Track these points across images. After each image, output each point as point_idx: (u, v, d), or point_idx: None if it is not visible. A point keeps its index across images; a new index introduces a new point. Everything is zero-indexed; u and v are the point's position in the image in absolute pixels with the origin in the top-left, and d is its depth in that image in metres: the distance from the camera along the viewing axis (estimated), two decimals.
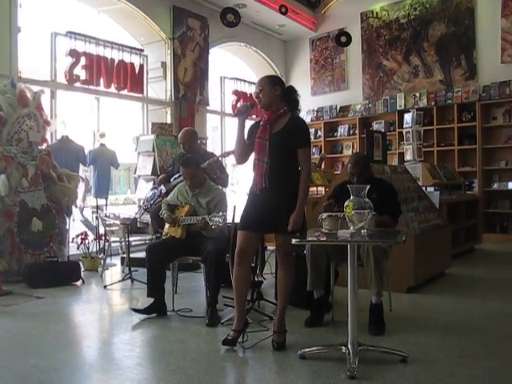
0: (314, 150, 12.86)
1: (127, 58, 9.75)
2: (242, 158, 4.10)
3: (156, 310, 4.86)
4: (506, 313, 4.96)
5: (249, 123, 4.16)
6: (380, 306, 4.41)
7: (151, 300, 4.89)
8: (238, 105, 11.52)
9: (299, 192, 3.85)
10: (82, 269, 7.09)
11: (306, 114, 13.00)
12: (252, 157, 4.06)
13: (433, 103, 11.14)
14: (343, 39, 11.78)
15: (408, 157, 8.77)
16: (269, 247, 5.87)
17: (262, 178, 3.88)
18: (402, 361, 3.58)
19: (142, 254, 5.53)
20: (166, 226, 5.28)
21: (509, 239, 9.91)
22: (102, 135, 8.88)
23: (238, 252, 3.95)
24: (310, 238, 3.69)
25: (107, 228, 7.47)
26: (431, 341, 4.09)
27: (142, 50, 10.23)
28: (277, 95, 3.94)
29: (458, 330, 4.39)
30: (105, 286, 6.41)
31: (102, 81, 9.22)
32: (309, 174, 4.00)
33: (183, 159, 5.44)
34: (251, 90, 11.95)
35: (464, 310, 5.06)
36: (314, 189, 9.24)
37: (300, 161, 3.90)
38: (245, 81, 12.55)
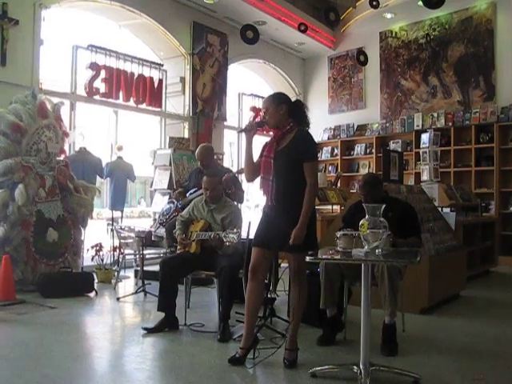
0: (330, 168, 12.88)
1: (147, 72, 9.85)
2: (250, 176, 4.08)
3: (167, 324, 4.86)
4: None
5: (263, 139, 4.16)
6: (393, 326, 4.37)
7: (163, 314, 4.89)
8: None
9: (303, 205, 3.78)
10: (96, 280, 7.12)
11: (322, 132, 13.05)
12: None
13: (450, 124, 11.10)
14: (362, 58, 11.81)
15: (424, 177, 8.73)
16: (283, 264, 5.85)
17: (269, 197, 3.87)
18: (414, 382, 3.54)
19: (156, 268, 5.53)
20: None
21: None
22: (120, 148, 8.95)
23: (250, 268, 3.95)
24: (324, 256, 3.68)
25: (122, 240, 7.49)
26: (444, 363, 4.04)
27: (161, 65, 10.33)
28: (282, 113, 3.92)
29: (472, 353, 4.33)
30: (118, 298, 6.43)
31: (121, 94, 9.32)
32: (314, 188, 3.87)
33: (209, 170, 5.46)
34: None
35: (478, 333, 5.00)
36: (329, 207, 9.23)
37: (305, 174, 3.82)
38: (263, 97, 12.56)
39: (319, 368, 3.71)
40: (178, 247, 5.29)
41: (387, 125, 12.13)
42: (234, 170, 6.53)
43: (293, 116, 3.97)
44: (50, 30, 8.37)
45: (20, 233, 6.59)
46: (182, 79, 10.53)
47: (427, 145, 8.79)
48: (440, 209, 7.66)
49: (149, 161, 9.60)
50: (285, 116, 3.94)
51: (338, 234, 3.64)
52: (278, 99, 4.01)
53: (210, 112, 10.85)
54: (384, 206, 3.48)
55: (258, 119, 4.28)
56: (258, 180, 4.06)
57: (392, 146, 11.76)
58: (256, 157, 4.06)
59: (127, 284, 7.61)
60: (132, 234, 7.18)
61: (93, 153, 8.44)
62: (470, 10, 11.05)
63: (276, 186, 3.85)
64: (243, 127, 4.06)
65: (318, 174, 8.71)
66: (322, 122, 12.90)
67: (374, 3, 10.20)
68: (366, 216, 3.42)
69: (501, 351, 4.44)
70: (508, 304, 6.51)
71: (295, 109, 4.02)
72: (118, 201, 8.85)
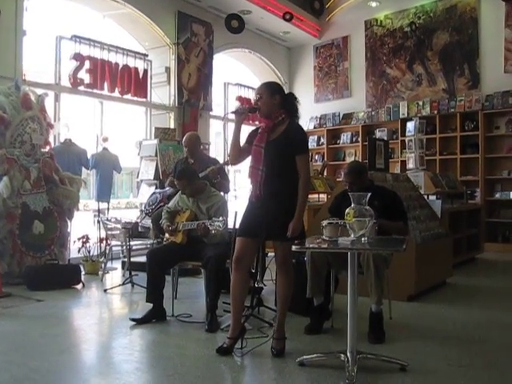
0: (316, 156, 12.90)
1: (131, 62, 9.79)
2: (235, 159, 4.10)
3: (155, 315, 4.86)
4: (507, 323, 4.94)
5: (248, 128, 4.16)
6: (380, 314, 4.40)
7: (150, 305, 4.89)
8: None
9: (298, 198, 3.83)
10: (83, 272, 7.09)
11: (308, 121, 13.04)
12: (245, 162, 4.09)
13: (436, 112, 11.14)
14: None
15: (410, 165, 8.76)
16: (270, 253, 5.86)
17: (257, 186, 3.88)
18: (402, 369, 3.57)
19: (143, 259, 5.53)
20: None
21: (511, 249, 9.89)
22: (105, 139, 8.90)
23: (235, 258, 3.95)
24: (310, 245, 3.68)
25: (108, 232, 7.47)
26: (431, 350, 4.07)
27: (146, 55, 10.27)
28: (275, 104, 3.93)
29: (458, 340, 4.38)
30: (105, 290, 6.41)
31: (105, 85, 9.25)
32: (307, 181, 3.96)
33: (178, 171, 5.43)
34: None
35: (465, 320, 5.04)
36: (316, 196, 9.23)
37: (298, 167, 3.87)
38: (248, 87, 12.57)
39: (307, 357, 3.72)
40: (166, 236, 5.28)
41: (373, 113, 12.15)
42: (220, 159, 6.53)
43: (284, 107, 3.98)
44: (33, 21, 8.29)
45: (5, 225, 6.54)
46: (167, 69, 10.47)
47: (412, 133, 8.82)
48: (426, 196, 7.71)
49: (135, 151, 9.54)
50: (277, 106, 3.95)
51: (324, 222, 3.64)
52: (273, 89, 4.02)
53: (196, 102, 10.80)
54: (369, 194, 3.49)
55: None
56: (243, 169, 4.07)
57: (378, 134, 11.81)
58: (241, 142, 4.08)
59: (114, 275, 7.58)
60: (118, 226, 7.15)
61: (78, 144, 8.38)
62: None
63: (265, 175, 3.86)
64: (235, 109, 4.05)
65: None
66: (307, 110, 12.86)
67: None
68: (352, 205, 3.43)
69: (487, 337, 4.49)
70: (493, 290, 6.58)
71: (288, 101, 4.03)
72: (104, 192, 8.81)
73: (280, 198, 3.84)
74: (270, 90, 3.99)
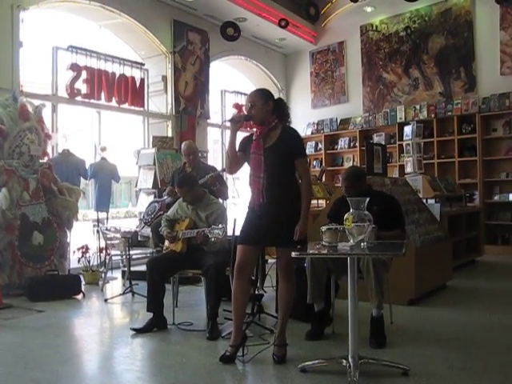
0: (314, 162, 12.91)
1: (128, 71, 9.81)
2: (232, 168, 4.08)
3: (156, 324, 4.85)
4: (508, 325, 4.94)
5: (241, 135, 4.16)
6: (381, 318, 4.39)
7: (151, 315, 4.88)
8: None
9: (302, 201, 3.86)
10: (83, 282, 7.08)
11: (306, 127, 13.06)
12: (243, 169, 4.10)
13: (433, 115, 11.16)
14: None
15: (408, 169, 8.77)
16: (270, 260, 5.87)
17: (259, 194, 3.88)
18: (404, 374, 3.56)
19: (143, 268, 5.53)
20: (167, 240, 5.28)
21: (510, 251, 9.90)
22: (103, 149, 8.91)
23: (237, 266, 3.94)
24: (310, 251, 3.68)
25: (108, 241, 7.46)
26: (433, 353, 4.07)
27: (142, 64, 10.29)
28: (269, 110, 3.95)
29: (459, 343, 4.37)
30: (105, 300, 6.40)
31: (103, 94, 9.27)
32: (310, 183, 4.02)
33: (179, 178, 5.43)
34: None
35: (466, 323, 5.04)
36: (315, 201, 9.23)
37: (299, 171, 3.94)
38: (245, 94, 12.57)
39: (308, 363, 3.72)
40: (166, 244, 5.28)
41: (370, 118, 12.17)
42: (218, 166, 6.54)
43: (276, 113, 4.00)
44: (30, 32, 8.31)
45: (5, 237, 6.54)
46: (164, 78, 10.49)
47: (410, 137, 8.83)
48: (425, 200, 7.71)
49: (133, 161, 9.56)
50: (270, 112, 3.96)
51: (323, 228, 3.64)
52: (266, 96, 4.04)
53: (193, 110, 10.82)
54: (368, 199, 3.49)
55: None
56: (242, 176, 4.07)
57: (375, 139, 11.81)
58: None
59: (114, 285, 7.58)
60: (118, 235, 7.15)
61: (76, 154, 8.39)
62: (449, 1, 11.11)
63: (266, 182, 3.86)
64: (231, 117, 4.04)
65: None
66: (305, 116, 12.92)
67: None
68: (351, 210, 3.43)
69: (488, 340, 4.48)
70: (494, 292, 6.58)
71: (279, 106, 4.05)
72: (103, 202, 8.81)
73: (282, 203, 3.85)
74: (264, 96, 4.01)
